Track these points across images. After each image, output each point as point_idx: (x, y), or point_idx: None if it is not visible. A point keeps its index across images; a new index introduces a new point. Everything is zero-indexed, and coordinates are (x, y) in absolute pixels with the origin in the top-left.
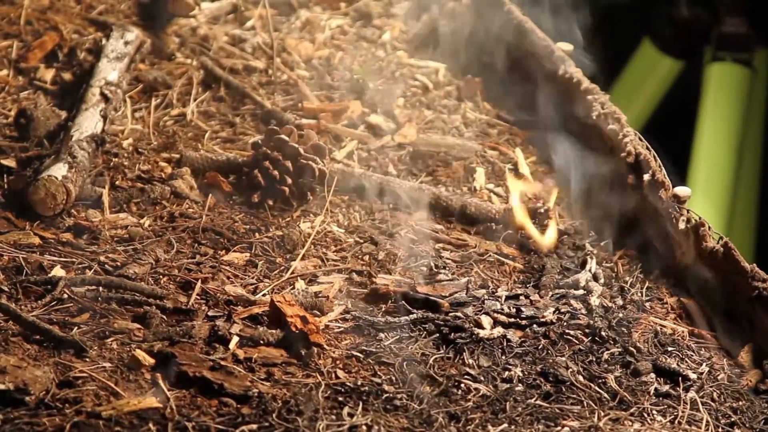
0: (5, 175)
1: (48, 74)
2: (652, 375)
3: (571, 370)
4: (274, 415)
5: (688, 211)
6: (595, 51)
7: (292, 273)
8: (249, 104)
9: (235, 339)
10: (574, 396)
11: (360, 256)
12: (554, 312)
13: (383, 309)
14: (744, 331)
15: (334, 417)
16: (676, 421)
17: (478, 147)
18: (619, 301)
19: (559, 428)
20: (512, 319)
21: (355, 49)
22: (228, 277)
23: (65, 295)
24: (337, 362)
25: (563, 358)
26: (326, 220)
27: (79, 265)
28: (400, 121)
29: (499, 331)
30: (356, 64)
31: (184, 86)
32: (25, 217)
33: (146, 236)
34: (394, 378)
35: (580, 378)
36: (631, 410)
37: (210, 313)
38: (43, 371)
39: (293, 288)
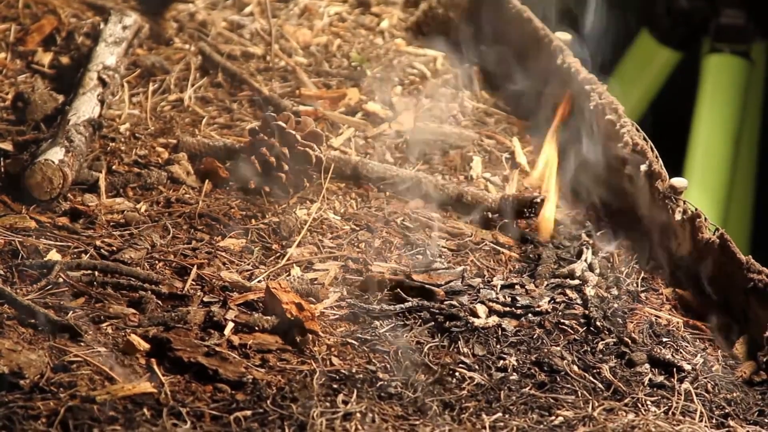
0: (2, 159)
1: (46, 58)
2: (647, 366)
3: (565, 359)
4: (268, 402)
5: (684, 202)
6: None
7: (288, 260)
8: (246, 90)
9: (230, 325)
10: (569, 386)
11: (356, 244)
12: (549, 301)
13: (378, 297)
14: (739, 323)
15: (328, 404)
16: (670, 412)
17: (475, 136)
18: (615, 292)
19: (553, 418)
20: (507, 308)
21: (353, 37)
22: (224, 263)
23: (61, 280)
24: (332, 349)
25: (558, 348)
26: (322, 207)
27: (75, 250)
28: (397, 108)
29: (494, 320)
30: (354, 52)
31: (182, 72)
32: (22, 200)
33: (142, 221)
34: (388, 366)
35: (575, 368)
36: (626, 400)
37: (205, 299)
38: (38, 355)
39: (289, 275)
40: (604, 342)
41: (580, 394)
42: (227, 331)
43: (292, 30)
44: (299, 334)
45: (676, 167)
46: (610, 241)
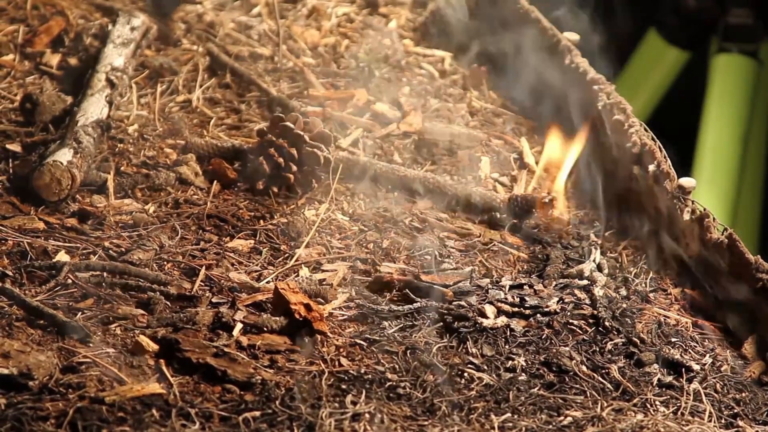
0: (10, 160)
1: (54, 59)
2: (656, 366)
3: (574, 360)
4: (277, 403)
5: (692, 202)
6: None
7: (297, 260)
8: (254, 91)
9: (239, 326)
10: (578, 386)
11: (364, 244)
12: (558, 302)
13: (387, 297)
14: (747, 323)
15: (337, 405)
16: (679, 412)
17: (483, 136)
18: (623, 292)
19: (562, 418)
20: (516, 309)
21: (361, 37)
22: (232, 264)
23: (69, 281)
24: (341, 350)
25: (567, 348)
26: (331, 208)
27: (84, 251)
28: (405, 109)
29: (502, 320)
30: (362, 52)
31: (190, 72)
32: (30, 202)
33: (151, 222)
34: (397, 366)
35: (584, 368)
36: (634, 401)
37: (214, 300)
38: (47, 356)
39: (297, 275)
40: (612, 342)
41: (588, 395)
42: (236, 332)
43: (300, 31)
44: (308, 335)
45: (684, 167)
46: (619, 241)
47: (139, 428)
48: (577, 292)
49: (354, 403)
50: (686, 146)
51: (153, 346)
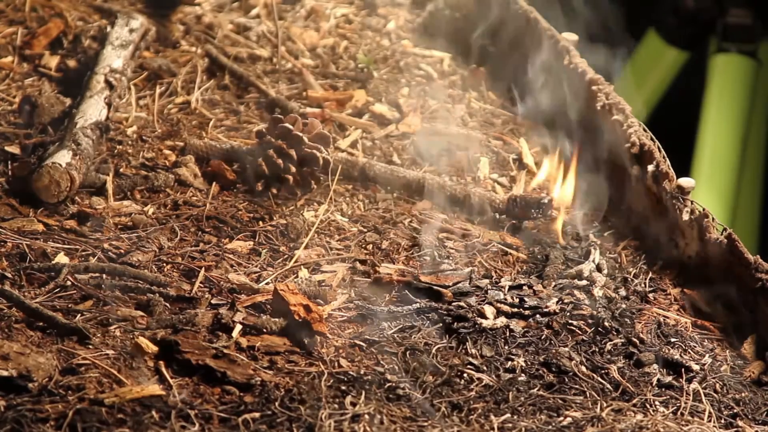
0: (9, 162)
1: (52, 61)
2: (655, 366)
3: (574, 360)
4: (276, 404)
5: (692, 202)
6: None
7: (296, 261)
8: (253, 92)
9: (239, 327)
10: (577, 386)
11: (363, 245)
12: (557, 302)
13: (386, 298)
14: (747, 323)
15: (336, 406)
16: (679, 412)
17: (482, 137)
18: (623, 292)
19: (561, 418)
20: (515, 309)
21: (359, 38)
22: (231, 266)
23: (69, 282)
24: (340, 351)
25: (566, 349)
26: (330, 209)
27: (83, 253)
28: (404, 110)
29: (502, 321)
30: (361, 53)
31: (189, 74)
32: (29, 203)
33: (150, 224)
34: (396, 367)
35: (583, 368)
36: (634, 401)
37: (213, 301)
38: (46, 358)
39: (297, 276)
40: (612, 342)
41: (588, 395)
42: (235, 334)
43: (299, 32)
44: (307, 336)
45: (683, 167)
46: (618, 242)
47: (139, 430)
48: (576, 292)
49: (353, 404)
50: (685, 146)
51: (152, 348)
